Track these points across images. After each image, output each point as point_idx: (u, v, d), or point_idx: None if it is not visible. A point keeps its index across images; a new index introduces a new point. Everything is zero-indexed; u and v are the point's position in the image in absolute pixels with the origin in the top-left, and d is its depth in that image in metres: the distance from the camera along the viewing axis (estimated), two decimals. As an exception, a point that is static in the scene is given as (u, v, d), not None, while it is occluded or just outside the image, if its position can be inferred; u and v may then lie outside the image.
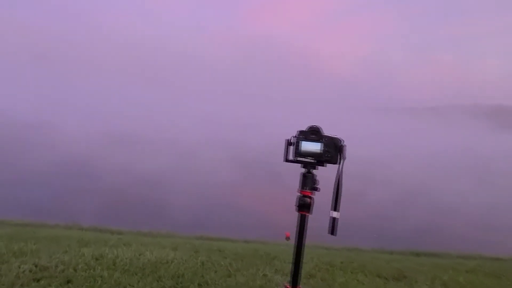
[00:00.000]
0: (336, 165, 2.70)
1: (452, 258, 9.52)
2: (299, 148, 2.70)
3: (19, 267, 4.59)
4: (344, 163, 2.67)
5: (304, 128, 2.75)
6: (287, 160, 2.80)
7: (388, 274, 5.79)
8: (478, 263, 7.96)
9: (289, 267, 6.03)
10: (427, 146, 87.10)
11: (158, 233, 11.67)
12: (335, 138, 2.67)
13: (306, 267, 6.06)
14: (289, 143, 2.73)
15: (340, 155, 2.66)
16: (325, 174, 2.87)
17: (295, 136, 2.73)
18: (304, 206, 2.86)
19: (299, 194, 2.89)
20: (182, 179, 31.04)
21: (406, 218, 25.32)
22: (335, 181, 2.77)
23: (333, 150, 2.64)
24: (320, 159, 2.70)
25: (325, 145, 2.64)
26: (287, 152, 2.77)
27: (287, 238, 17.29)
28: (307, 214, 2.93)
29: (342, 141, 2.67)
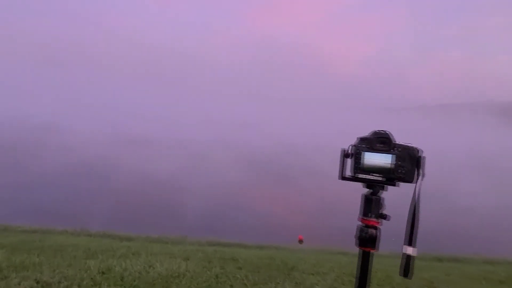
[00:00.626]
0: (412, 184, 2.02)
1: (478, 263, 9.01)
2: (362, 162, 2.00)
3: (19, 284, 4.24)
4: (422, 181, 2.01)
5: (365, 133, 2.04)
6: (343, 178, 2.07)
7: (418, 287, 5.34)
8: (508, 270, 7.47)
9: (309, 279, 5.62)
10: (438, 144, 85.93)
11: (168, 238, 11.30)
12: (411, 147, 1.98)
13: (328, 278, 5.65)
14: (345, 155, 2.04)
15: (417, 170, 1.97)
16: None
17: (355, 145, 2.02)
18: (368, 240, 2.14)
19: (360, 223, 2.15)
20: (192, 180, 30.68)
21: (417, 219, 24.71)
22: (411, 205, 2.11)
23: (409, 164, 1.96)
24: (390, 176, 2.02)
25: (398, 158, 1.95)
26: (343, 166, 2.05)
27: (300, 241, 16.86)
28: (371, 251, 2.21)
29: (420, 152, 1.97)
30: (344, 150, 2.04)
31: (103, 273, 4.91)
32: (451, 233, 21.31)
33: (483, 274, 6.68)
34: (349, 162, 2.06)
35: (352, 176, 2.07)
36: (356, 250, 7.65)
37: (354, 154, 2.01)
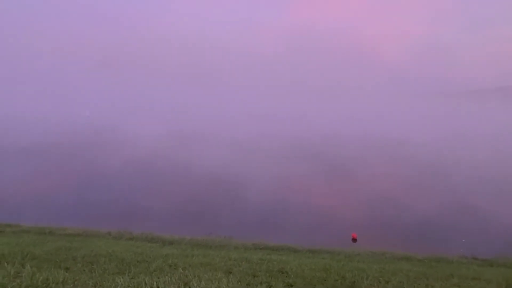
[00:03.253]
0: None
1: None
2: None
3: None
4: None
5: None
6: None
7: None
8: None
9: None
10: (496, 130, 79.76)
11: (213, 241, 10.68)
12: None
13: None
14: None
15: None
16: None
17: None
18: None
19: None
20: (242, 175, 30.19)
21: (482, 214, 22.28)
22: None
23: None
24: None
25: None
26: None
27: (354, 240, 15.68)
28: None
29: None
30: None
31: (131, 294, 4.22)
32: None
33: None
34: None
35: None
36: (420, 254, 6.42)
37: None
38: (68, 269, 5.31)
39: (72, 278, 4.77)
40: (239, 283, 4.85)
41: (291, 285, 4.91)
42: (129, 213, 20.22)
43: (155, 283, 4.57)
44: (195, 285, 4.59)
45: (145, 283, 4.58)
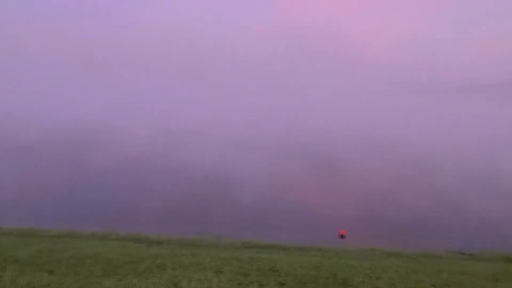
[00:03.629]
0: None
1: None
2: None
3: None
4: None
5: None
6: None
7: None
8: None
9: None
10: (482, 127, 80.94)
11: (202, 240, 10.54)
12: None
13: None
14: None
15: None
16: None
17: None
18: None
19: None
20: (233, 175, 30.02)
21: (468, 210, 22.53)
22: None
23: None
24: None
25: None
26: None
27: (342, 236, 15.67)
28: None
29: None
30: None
31: (119, 297, 4.08)
32: (501, 222, 19.26)
33: None
34: None
35: None
36: (410, 250, 6.40)
37: None
38: (52, 272, 5.13)
39: (56, 282, 4.62)
40: (230, 282, 4.76)
41: (283, 284, 4.84)
42: (116, 212, 19.87)
43: (143, 285, 4.45)
44: (185, 285, 4.49)
45: (133, 285, 4.46)
